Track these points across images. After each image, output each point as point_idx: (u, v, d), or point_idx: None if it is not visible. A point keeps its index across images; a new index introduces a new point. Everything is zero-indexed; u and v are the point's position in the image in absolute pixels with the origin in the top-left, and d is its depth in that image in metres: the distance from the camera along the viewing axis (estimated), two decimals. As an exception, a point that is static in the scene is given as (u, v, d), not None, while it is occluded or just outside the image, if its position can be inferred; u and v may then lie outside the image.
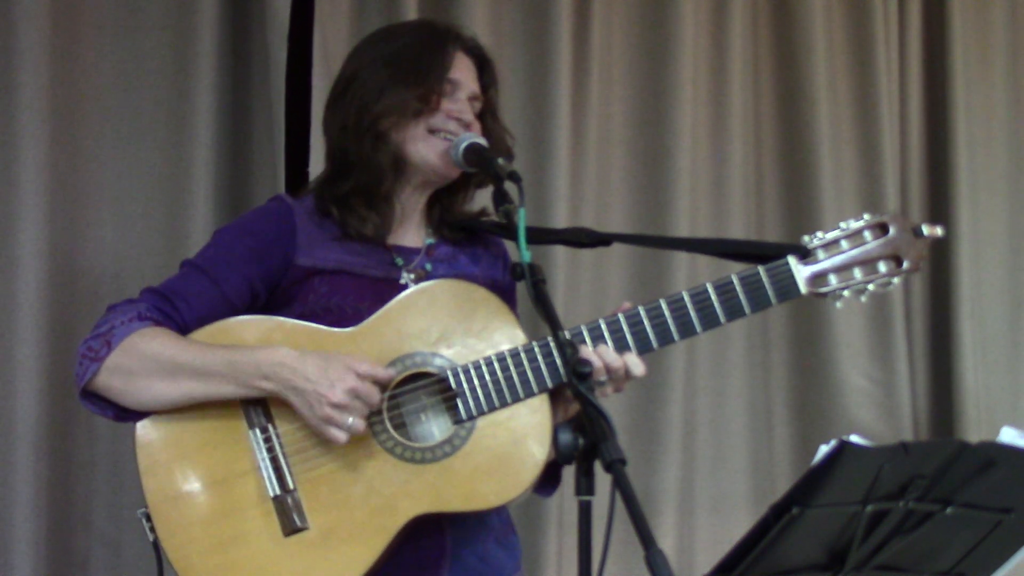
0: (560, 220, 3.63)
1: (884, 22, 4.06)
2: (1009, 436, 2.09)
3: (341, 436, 2.29)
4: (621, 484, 1.90)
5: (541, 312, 2.17)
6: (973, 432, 3.94)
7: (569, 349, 2.12)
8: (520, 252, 2.20)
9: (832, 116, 4.01)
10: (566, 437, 2.02)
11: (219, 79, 3.33)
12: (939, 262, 4.10)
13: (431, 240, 2.57)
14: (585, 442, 2.00)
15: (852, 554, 2.07)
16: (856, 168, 4.04)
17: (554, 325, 2.14)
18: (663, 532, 3.73)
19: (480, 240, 2.62)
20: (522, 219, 2.22)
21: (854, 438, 1.97)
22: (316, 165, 3.34)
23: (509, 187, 2.32)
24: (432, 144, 2.49)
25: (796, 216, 3.99)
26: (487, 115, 2.57)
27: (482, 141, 2.47)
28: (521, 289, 2.24)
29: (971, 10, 4.17)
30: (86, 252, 3.23)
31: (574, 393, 2.05)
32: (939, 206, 4.12)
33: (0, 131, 3.12)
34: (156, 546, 2.34)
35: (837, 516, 2.03)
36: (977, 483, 2.08)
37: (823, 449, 1.99)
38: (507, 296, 2.53)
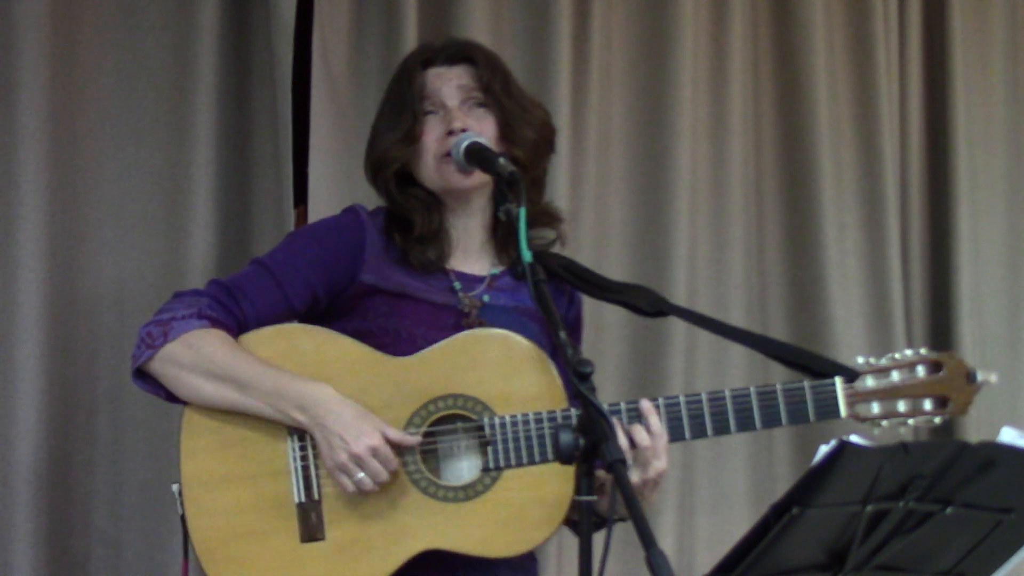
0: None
1: (884, 22, 4.05)
2: (1009, 436, 2.10)
3: (348, 486, 2.36)
4: (622, 484, 1.90)
5: (542, 312, 2.18)
6: (973, 432, 3.93)
7: (571, 349, 2.12)
8: (521, 252, 2.20)
9: (832, 116, 4.00)
10: (567, 437, 2.02)
11: (220, 79, 3.32)
12: (939, 262, 4.10)
13: (496, 270, 2.58)
14: (586, 442, 2.01)
15: (852, 554, 2.07)
16: (856, 168, 4.03)
17: (555, 325, 2.14)
18: (663, 532, 3.72)
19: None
20: (523, 219, 2.24)
21: (854, 438, 1.97)
22: (316, 166, 3.34)
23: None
24: (447, 167, 2.50)
25: (796, 216, 3.99)
26: (492, 105, 2.55)
27: (482, 140, 2.47)
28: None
29: (971, 10, 4.17)
30: (86, 252, 3.22)
31: (575, 392, 2.05)
32: (939, 206, 4.12)
33: (0, 131, 3.12)
34: (183, 520, 2.41)
35: (837, 516, 2.03)
36: (977, 483, 2.08)
37: (823, 449, 1.99)
38: (570, 329, 2.54)
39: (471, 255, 2.58)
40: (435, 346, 2.44)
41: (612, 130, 3.82)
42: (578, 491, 2.05)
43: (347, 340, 2.46)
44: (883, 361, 2.45)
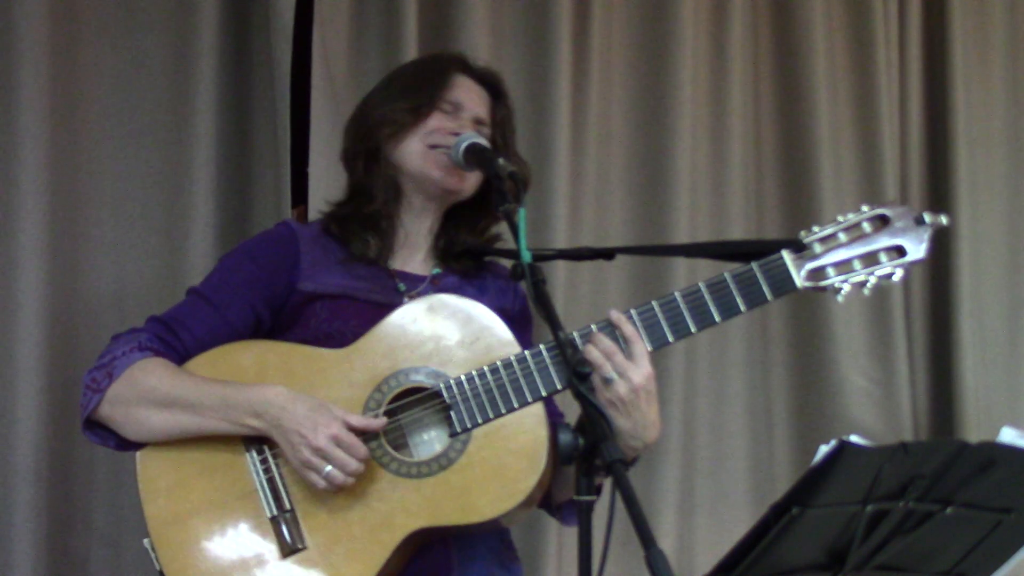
0: (560, 220, 3.63)
1: (884, 22, 4.05)
2: (1009, 436, 2.10)
3: (319, 482, 2.30)
4: (621, 484, 1.90)
5: (541, 312, 2.18)
6: (973, 432, 3.94)
7: (570, 349, 2.12)
8: (520, 252, 2.20)
9: (832, 116, 4.00)
10: (566, 437, 2.02)
11: (219, 79, 3.33)
12: (939, 262, 4.10)
13: (437, 270, 2.57)
14: (585, 442, 2.00)
15: (852, 554, 2.07)
16: (856, 168, 4.04)
17: (554, 325, 2.14)
18: (663, 532, 3.72)
19: (490, 269, 2.63)
20: (522, 219, 2.22)
21: (854, 438, 1.97)
22: (316, 166, 3.34)
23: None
24: (433, 157, 2.49)
25: (796, 216, 3.99)
26: (498, 144, 2.56)
27: (483, 141, 2.47)
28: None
29: (971, 10, 4.17)
30: (86, 252, 3.23)
31: (574, 393, 2.05)
32: (939, 206, 4.11)
33: (0, 131, 3.12)
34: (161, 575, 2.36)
35: (837, 516, 2.03)
36: (977, 483, 2.08)
37: (823, 449, 1.99)
38: (517, 323, 2.52)
39: (415, 256, 2.57)
40: (371, 330, 2.40)
41: (612, 130, 3.82)
42: (578, 491, 2.04)
43: (285, 345, 2.43)
44: (828, 227, 2.38)
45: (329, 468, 2.28)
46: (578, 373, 2.04)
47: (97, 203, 3.25)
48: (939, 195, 4.12)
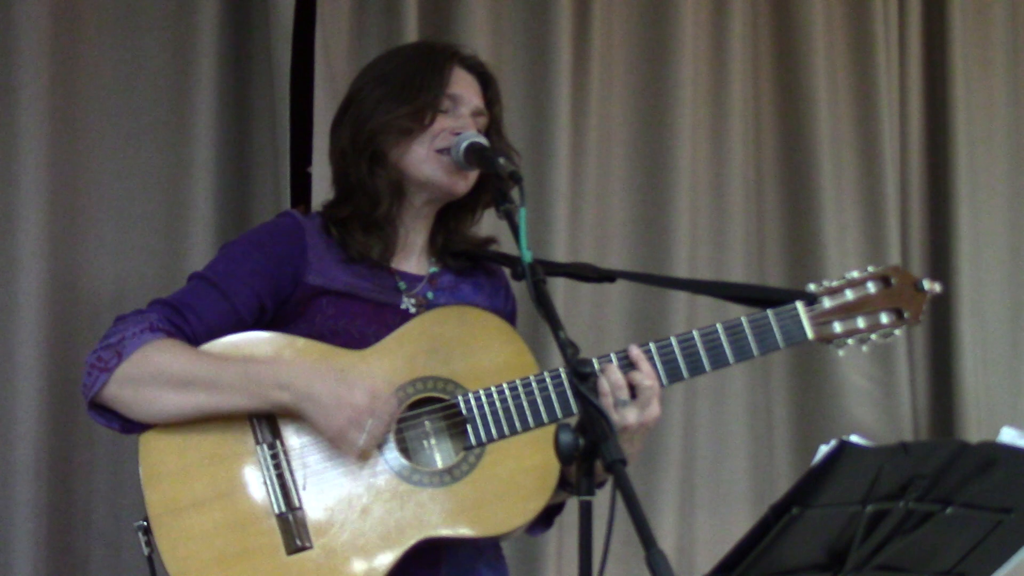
0: (560, 220, 3.63)
1: (884, 22, 4.05)
2: (1009, 436, 2.10)
3: (357, 444, 2.29)
4: (622, 484, 1.90)
5: (541, 312, 2.18)
6: (973, 432, 3.94)
7: (571, 349, 2.12)
8: (520, 252, 2.20)
9: (832, 116, 4.01)
10: (567, 437, 2.02)
11: (219, 79, 3.33)
12: (939, 262, 4.10)
13: (434, 269, 2.57)
14: (586, 442, 2.00)
15: (852, 554, 2.07)
16: (856, 168, 4.04)
17: (554, 324, 2.14)
18: (663, 532, 3.73)
19: (483, 269, 2.64)
20: (523, 219, 2.23)
21: (854, 438, 1.97)
22: (319, 165, 3.34)
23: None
24: (440, 162, 2.49)
25: (795, 216, 3.99)
26: (492, 132, 2.58)
27: (483, 140, 2.48)
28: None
29: (971, 10, 4.17)
30: (86, 252, 3.23)
31: (575, 393, 2.05)
32: (939, 206, 4.12)
33: (0, 131, 3.12)
34: (151, 561, 2.32)
35: (837, 516, 2.03)
36: (977, 483, 2.08)
37: (823, 449, 1.99)
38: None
39: (412, 255, 2.57)
40: (393, 333, 2.40)
41: (612, 130, 3.82)
42: (578, 491, 2.04)
43: (303, 340, 2.40)
44: (835, 282, 2.51)
45: (372, 421, 2.28)
46: (578, 373, 2.05)
47: (97, 203, 3.25)
48: (939, 195, 4.13)
